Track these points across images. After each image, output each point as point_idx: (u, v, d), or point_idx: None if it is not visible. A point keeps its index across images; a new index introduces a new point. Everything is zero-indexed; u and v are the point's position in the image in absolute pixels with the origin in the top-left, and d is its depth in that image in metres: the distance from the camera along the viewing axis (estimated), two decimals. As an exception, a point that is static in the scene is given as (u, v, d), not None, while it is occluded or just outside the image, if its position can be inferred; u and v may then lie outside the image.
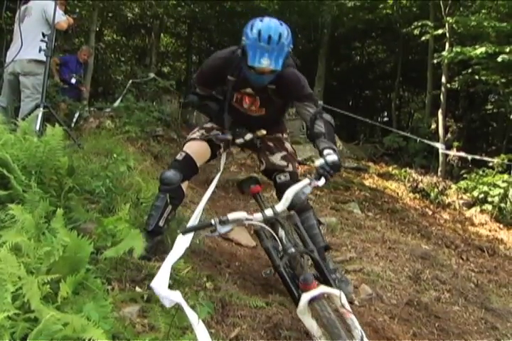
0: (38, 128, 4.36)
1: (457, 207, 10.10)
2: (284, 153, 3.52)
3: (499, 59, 10.59)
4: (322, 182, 2.79)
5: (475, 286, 5.59)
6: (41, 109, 4.79)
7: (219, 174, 3.53)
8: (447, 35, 12.50)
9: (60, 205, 2.82)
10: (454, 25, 12.37)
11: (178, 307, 2.17)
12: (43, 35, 5.15)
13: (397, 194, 10.17)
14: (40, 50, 5.07)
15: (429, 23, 12.68)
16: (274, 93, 3.16)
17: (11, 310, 1.72)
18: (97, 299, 2.07)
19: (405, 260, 5.58)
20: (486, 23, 11.60)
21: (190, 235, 3.02)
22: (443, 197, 10.29)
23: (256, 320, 2.77)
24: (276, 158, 3.49)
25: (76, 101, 8.68)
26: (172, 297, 2.15)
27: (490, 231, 9.22)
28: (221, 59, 3.21)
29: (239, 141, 3.39)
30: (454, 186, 10.77)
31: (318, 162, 2.84)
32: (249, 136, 3.37)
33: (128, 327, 2.15)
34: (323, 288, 2.46)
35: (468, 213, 9.96)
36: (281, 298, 3.25)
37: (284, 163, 3.48)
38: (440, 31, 12.42)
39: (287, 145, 3.60)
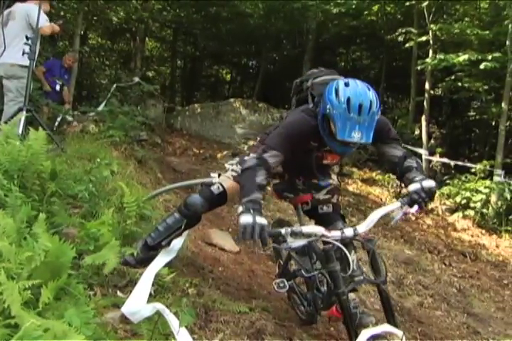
0: (20, 131, 4.32)
1: (440, 213, 10.18)
2: (329, 187, 3.29)
3: (482, 66, 10.70)
4: (415, 209, 2.58)
5: (457, 291, 5.64)
6: (24, 112, 4.75)
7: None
8: (431, 42, 12.62)
9: (42, 210, 2.79)
10: (437, 33, 12.49)
11: (161, 314, 2.15)
12: (27, 38, 5.12)
13: (381, 199, 10.23)
14: (23, 53, 5.04)
15: (413, 30, 12.79)
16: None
17: (-10, 316, 1.70)
18: (79, 305, 2.05)
19: (388, 265, 5.61)
20: (468, 31, 11.73)
21: (178, 246, 2.97)
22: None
23: (239, 325, 2.76)
24: (322, 194, 3.26)
25: (59, 104, 8.62)
26: (155, 306, 2.14)
27: (472, 236, 9.30)
28: (298, 131, 2.82)
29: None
30: (437, 192, 10.84)
31: (413, 187, 2.63)
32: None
33: (110, 333, 2.13)
34: (385, 327, 2.32)
35: (450, 218, 10.05)
36: (265, 303, 3.25)
37: (329, 196, 3.27)
38: (424, 38, 12.52)
39: (333, 177, 3.40)
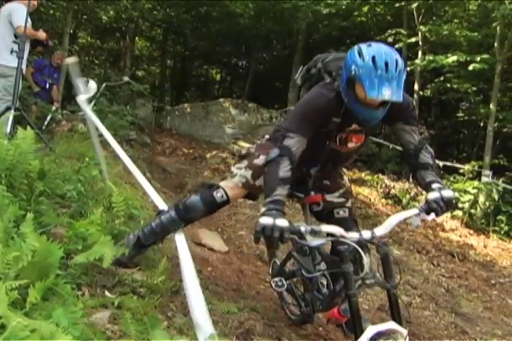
0: (8, 130, 4.29)
1: (428, 213, 10.21)
2: (342, 190, 3.19)
3: (470, 67, 10.79)
4: (432, 216, 2.60)
5: (445, 291, 5.67)
6: (12, 111, 4.72)
7: None
8: (420, 43, 12.70)
9: (30, 209, 2.76)
10: (426, 34, 12.57)
11: (149, 314, 2.15)
12: (15, 36, 5.09)
13: (370, 200, 10.25)
14: (12, 52, 5.00)
15: (403, 31, 12.86)
16: (382, 120, 2.74)
17: (-23, 316, 1.68)
18: (67, 305, 2.03)
19: (377, 265, 5.63)
20: (457, 32, 11.83)
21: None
22: (415, 202, 10.42)
23: (228, 325, 2.75)
24: (335, 196, 3.16)
25: (48, 103, 8.58)
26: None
27: (460, 236, 9.36)
28: (316, 106, 2.68)
29: None
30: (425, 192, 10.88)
31: (433, 195, 2.61)
32: None
33: (98, 334, 2.11)
34: (391, 324, 2.35)
35: (439, 219, 10.09)
36: (254, 303, 3.24)
37: (343, 200, 3.18)
38: (413, 39, 12.60)
39: (345, 178, 3.30)
